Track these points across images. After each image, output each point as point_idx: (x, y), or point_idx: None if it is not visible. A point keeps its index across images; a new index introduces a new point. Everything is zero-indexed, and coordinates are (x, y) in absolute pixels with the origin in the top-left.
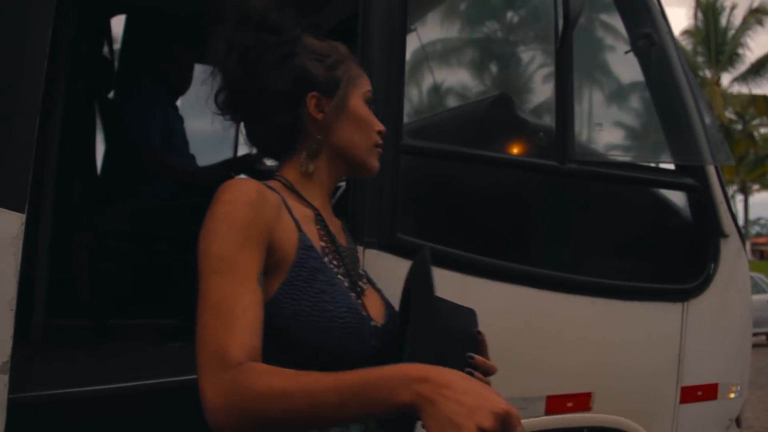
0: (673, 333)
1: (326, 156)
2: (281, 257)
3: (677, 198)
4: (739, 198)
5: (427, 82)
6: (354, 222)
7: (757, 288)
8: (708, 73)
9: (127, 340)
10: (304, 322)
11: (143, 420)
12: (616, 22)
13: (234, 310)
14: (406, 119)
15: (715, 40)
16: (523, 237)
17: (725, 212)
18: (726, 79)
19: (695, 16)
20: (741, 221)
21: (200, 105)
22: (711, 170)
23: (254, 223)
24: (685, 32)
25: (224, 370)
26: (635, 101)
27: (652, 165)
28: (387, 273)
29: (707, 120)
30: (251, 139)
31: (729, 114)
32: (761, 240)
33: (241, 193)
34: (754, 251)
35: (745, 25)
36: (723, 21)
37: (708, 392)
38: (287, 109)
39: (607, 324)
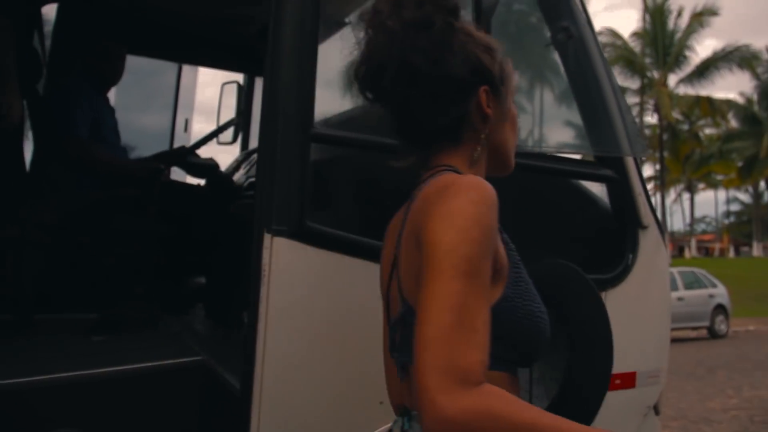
0: None
1: (485, 151)
2: (501, 261)
3: (597, 189)
4: (686, 196)
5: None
6: (262, 209)
7: (699, 283)
8: (656, 74)
9: (50, 334)
10: (535, 320)
11: (51, 413)
12: (535, 15)
13: (475, 322)
14: (324, 108)
15: (663, 42)
16: None
17: (644, 204)
18: (672, 80)
19: (644, 19)
20: (687, 219)
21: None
22: (629, 162)
23: (494, 229)
24: (635, 34)
25: (466, 387)
26: (554, 93)
27: (572, 156)
28: (296, 261)
29: (625, 112)
30: (402, 125)
31: (676, 114)
32: (707, 237)
33: (487, 194)
34: (699, 248)
35: (690, 28)
36: (670, 24)
37: (626, 381)
38: (461, 98)
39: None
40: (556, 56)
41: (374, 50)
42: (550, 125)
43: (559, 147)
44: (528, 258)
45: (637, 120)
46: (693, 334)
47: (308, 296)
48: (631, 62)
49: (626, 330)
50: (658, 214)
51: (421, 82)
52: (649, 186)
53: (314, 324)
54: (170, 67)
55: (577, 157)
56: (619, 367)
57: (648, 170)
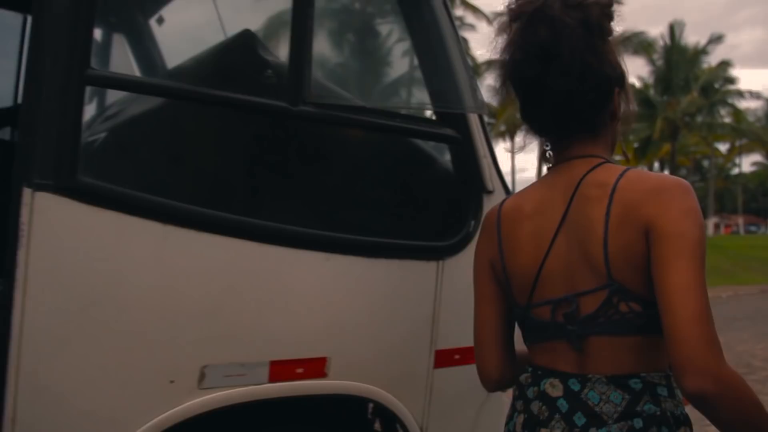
0: (427, 293)
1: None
2: None
3: (437, 150)
4: None
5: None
6: (24, 160)
7: None
8: None
9: None
10: None
11: None
12: None
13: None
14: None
15: None
16: (245, 185)
17: (489, 167)
18: None
19: None
20: None
21: None
22: (474, 122)
23: None
24: None
25: (724, 358)
26: (391, 45)
27: (406, 112)
28: (64, 220)
29: (468, 69)
30: (555, 115)
31: None
32: None
33: None
34: None
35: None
36: None
37: (467, 355)
38: (611, 96)
39: (346, 283)
40: (395, 7)
41: (542, 43)
42: (389, 80)
43: (398, 103)
44: (353, 224)
45: None
46: None
47: (78, 261)
48: None
49: (468, 302)
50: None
51: (590, 78)
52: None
53: (86, 293)
54: None
55: (421, 115)
56: (458, 341)
57: None
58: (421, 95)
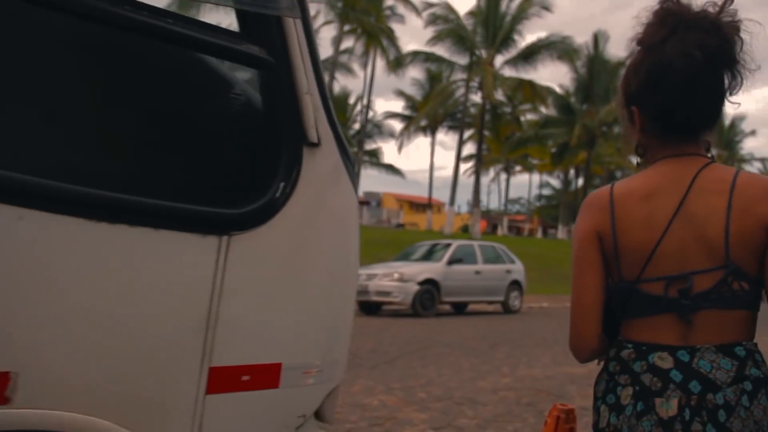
0: (200, 283)
1: None
2: None
3: (237, 76)
4: (503, 177)
5: None
6: None
7: (498, 259)
8: (484, 54)
9: None
10: None
11: None
12: None
13: None
14: None
15: (494, 23)
16: None
17: (316, 109)
18: (499, 61)
19: None
20: (503, 199)
21: None
22: (296, 39)
23: None
24: (470, 13)
25: None
26: None
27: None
28: None
29: None
30: (700, 115)
31: (500, 96)
32: (519, 217)
33: None
34: (511, 227)
35: (521, 13)
36: (503, 6)
37: (262, 377)
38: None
39: (50, 257)
40: None
41: (711, 47)
42: None
43: None
44: (75, 172)
45: (463, 98)
46: (490, 308)
47: None
48: (461, 38)
49: (266, 299)
50: (473, 190)
51: (738, 83)
52: (470, 164)
53: None
54: None
55: (213, 23)
56: (248, 355)
57: (470, 148)
58: None
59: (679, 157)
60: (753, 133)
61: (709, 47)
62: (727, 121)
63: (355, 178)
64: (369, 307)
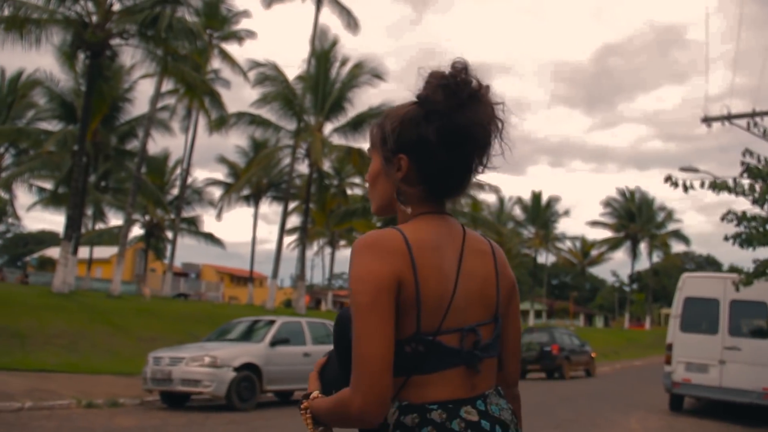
0: None
1: None
2: None
3: None
4: (327, 251)
5: None
6: None
7: (330, 339)
8: (312, 120)
9: None
10: None
11: None
12: None
13: None
14: None
15: (324, 89)
16: None
17: None
18: (328, 129)
19: (309, 62)
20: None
21: None
22: None
23: None
24: (298, 77)
25: None
26: None
27: None
28: None
29: None
30: (465, 180)
31: (327, 168)
32: (343, 292)
33: None
34: (335, 302)
35: (351, 81)
36: (333, 72)
37: None
38: None
39: None
40: None
41: (500, 125)
42: None
43: None
44: None
45: (288, 168)
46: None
47: None
48: (289, 102)
49: None
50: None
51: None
52: (294, 236)
53: None
54: None
55: None
56: None
57: (294, 221)
58: None
59: (441, 215)
60: (566, 213)
61: (500, 122)
62: (543, 202)
63: None
64: (173, 399)
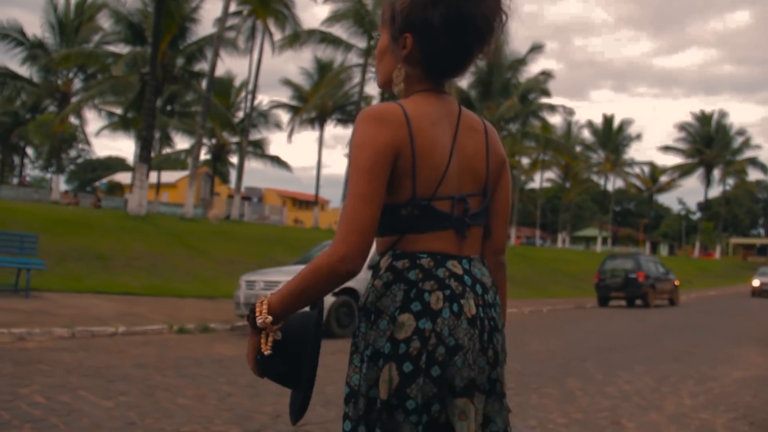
0: None
1: None
2: None
3: None
4: None
5: None
6: None
7: None
8: None
9: None
10: None
11: None
12: None
13: None
14: None
15: None
16: None
17: None
18: None
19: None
20: None
21: None
22: None
23: None
24: None
25: None
26: None
27: None
28: None
29: None
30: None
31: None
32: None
33: None
34: None
35: None
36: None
37: None
38: None
39: None
40: None
41: (503, 20)
42: None
43: None
44: None
45: (354, 90)
46: None
47: None
48: (361, 19)
49: None
50: None
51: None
52: None
53: None
54: None
55: None
56: None
57: None
58: None
59: (438, 93)
60: (638, 137)
61: (504, 15)
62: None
63: None
64: None
